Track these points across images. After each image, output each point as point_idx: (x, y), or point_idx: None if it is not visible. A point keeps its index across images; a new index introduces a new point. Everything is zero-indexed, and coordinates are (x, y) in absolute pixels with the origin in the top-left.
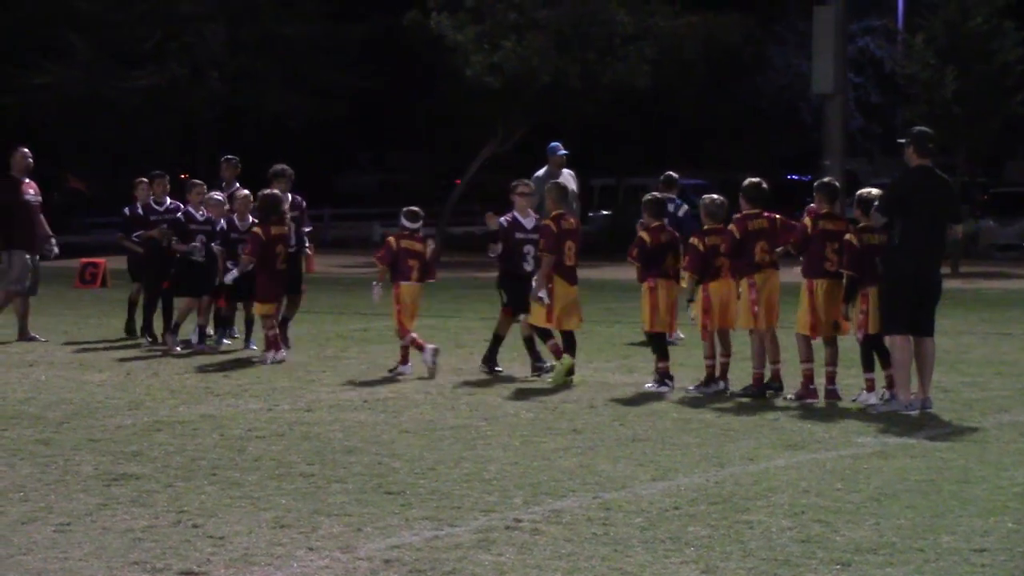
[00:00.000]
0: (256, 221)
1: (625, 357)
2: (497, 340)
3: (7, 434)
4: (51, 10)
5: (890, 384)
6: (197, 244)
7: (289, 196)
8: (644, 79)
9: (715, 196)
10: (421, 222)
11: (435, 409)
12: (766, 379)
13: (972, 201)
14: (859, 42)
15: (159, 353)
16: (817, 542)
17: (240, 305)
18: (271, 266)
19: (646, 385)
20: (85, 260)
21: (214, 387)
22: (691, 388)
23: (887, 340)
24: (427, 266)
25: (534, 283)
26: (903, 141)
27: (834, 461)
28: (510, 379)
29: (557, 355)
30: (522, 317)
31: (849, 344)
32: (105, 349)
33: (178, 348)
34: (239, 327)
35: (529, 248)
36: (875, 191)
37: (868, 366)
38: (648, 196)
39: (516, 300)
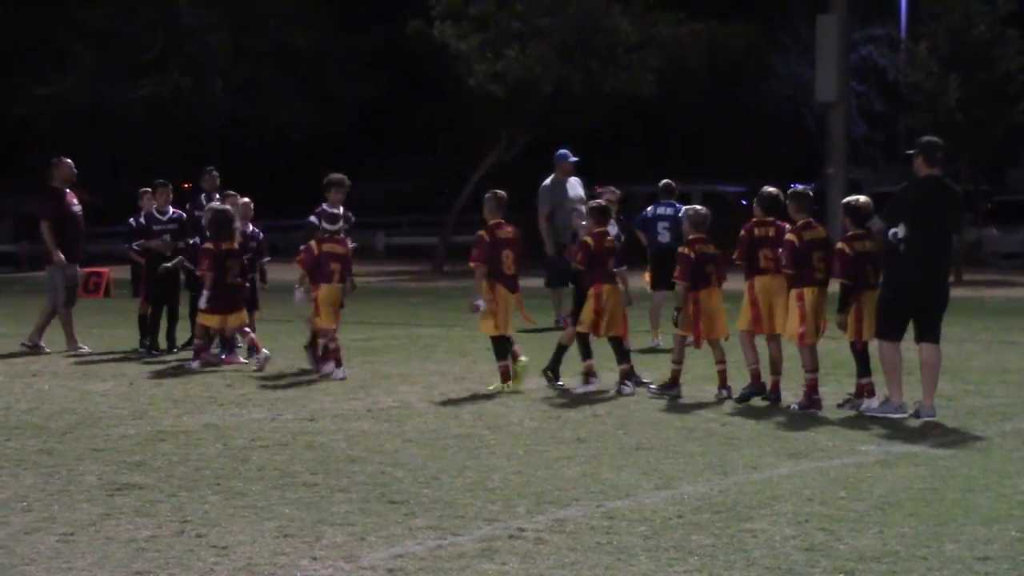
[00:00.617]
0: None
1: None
2: (561, 350)
3: (11, 444)
4: (56, 20)
5: (858, 393)
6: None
7: (340, 209)
8: (648, 87)
9: (699, 207)
10: (341, 223)
11: (439, 418)
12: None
13: (976, 209)
14: (862, 50)
15: (162, 363)
16: (821, 550)
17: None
18: (222, 280)
19: (577, 389)
20: (89, 270)
21: (217, 397)
22: (653, 387)
23: (878, 344)
24: (348, 268)
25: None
26: (912, 152)
27: (838, 469)
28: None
29: (514, 358)
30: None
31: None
32: (108, 359)
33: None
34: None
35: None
36: (862, 199)
37: (866, 371)
38: (593, 203)
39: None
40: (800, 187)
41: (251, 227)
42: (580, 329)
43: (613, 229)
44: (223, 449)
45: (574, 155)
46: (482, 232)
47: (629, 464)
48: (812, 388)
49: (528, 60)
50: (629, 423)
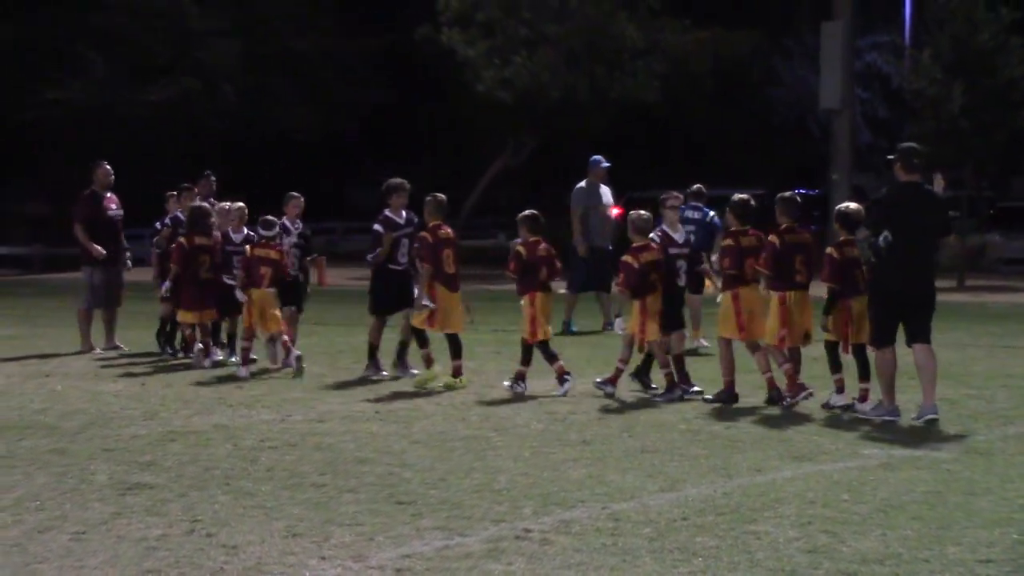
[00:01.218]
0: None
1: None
2: (651, 356)
3: (23, 444)
4: (68, 26)
5: (839, 387)
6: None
7: (404, 213)
8: (653, 93)
9: (643, 212)
10: (276, 229)
11: (446, 420)
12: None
13: (979, 215)
14: (867, 57)
15: (174, 364)
16: (824, 552)
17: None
18: (195, 275)
19: (512, 387)
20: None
21: (227, 398)
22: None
23: (874, 352)
24: (280, 272)
25: (417, 292)
26: (891, 158)
27: (840, 473)
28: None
29: (428, 364)
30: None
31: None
32: (120, 360)
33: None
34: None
35: (681, 263)
36: (853, 206)
37: (835, 368)
38: (525, 212)
39: (670, 316)
40: (788, 194)
41: (244, 230)
42: (527, 338)
43: (680, 236)
44: (233, 449)
45: (578, 162)
46: (425, 233)
47: (634, 466)
48: (793, 383)
49: (535, 66)
50: (634, 426)
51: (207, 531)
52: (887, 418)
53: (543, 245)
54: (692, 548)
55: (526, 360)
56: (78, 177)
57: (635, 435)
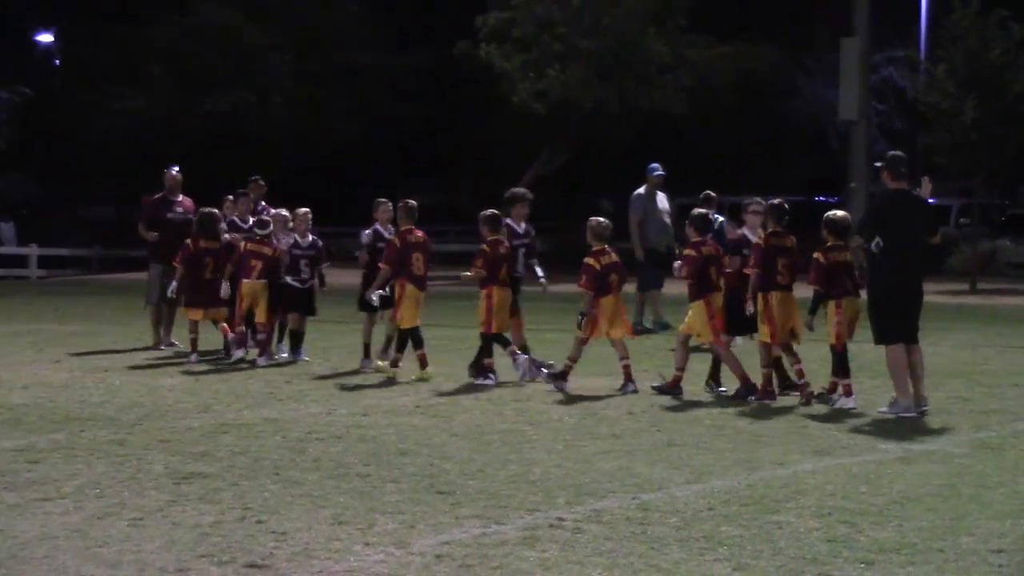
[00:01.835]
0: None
1: (664, 365)
2: (717, 362)
3: (84, 435)
4: (132, 41)
5: (848, 391)
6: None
7: (523, 225)
8: (679, 105)
9: (602, 219)
10: (271, 228)
11: (484, 414)
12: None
13: (990, 222)
14: (883, 72)
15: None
16: (843, 542)
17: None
18: (198, 275)
19: (479, 380)
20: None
21: (277, 392)
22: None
23: (885, 351)
24: (272, 267)
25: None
26: (878, 165)
27: (859, 466)
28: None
29: (423, 364)
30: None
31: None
32: (175, 357)
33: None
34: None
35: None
36: (840, 213)
37: (844, 373)
38: (486, 212)
39: (736, 318)
40: (777, 200)
41: (310, 236)
42: (482, 329)
43: (753, 235)
44: (282, 441)
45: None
46: (394, 239)
47: (662, 459)
48: (768, 381)
49: (568, 79)
50: (662, 421)
51: (257, 518)
52: (905, 415)
53: (504, 243)
54: (717, 537)
55: (487, 352)
56: (138, 183)
57: (663, 429)
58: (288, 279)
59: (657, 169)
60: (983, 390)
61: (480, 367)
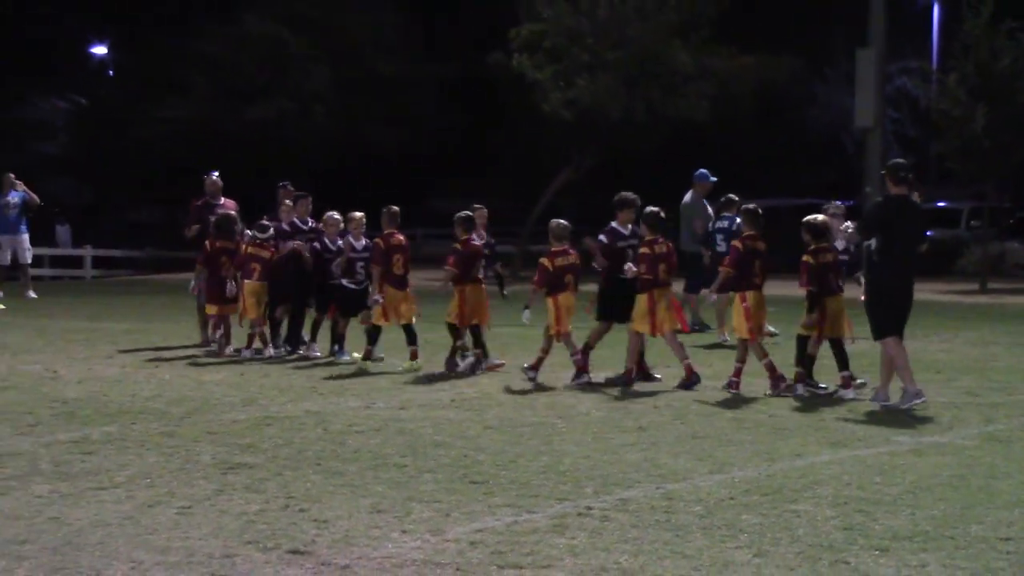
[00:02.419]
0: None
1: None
2: (811, 360)
3: (136, 427)
4: (176, 51)
5: (846, 384)
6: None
7: (630, 226)
8: (703, 113)
9: (562, 221)
10: (271, 232)
11: (516, 408)
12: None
13: (999, 225)
14: (897, 81)
15: (270, 357)
16: (858, 530)
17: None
18: (216, 273)
19: (459, 368)
20: None
21: (318, 387)
22: (530, 371)
23: (882, 345)
24: (270, 268)
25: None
26: (883, 172)
27: (873, 457)
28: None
29: (413, 357)
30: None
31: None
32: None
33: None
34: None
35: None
36: (820, 217)
37: (843, 365)
38: (460, 214)
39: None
40: (752, 206)
41: (363, 239)
42: (449, 320)
43: (840, 243)
44: (323, 433)
45: (632, 176)
46: (378, 240)
47: (686, 451)
48: (736, 373)
49: (597, 89)
50: (686, 414)
51: (300, 507)
52: (915, 401)
53: (476, 243)
54: (738, 525)
55: (458, 338)
56: (183, 187)
57: (686, 422)
58: (343, 281)
59: (707, 176)
60: (992, 385)
61: (452, 360)
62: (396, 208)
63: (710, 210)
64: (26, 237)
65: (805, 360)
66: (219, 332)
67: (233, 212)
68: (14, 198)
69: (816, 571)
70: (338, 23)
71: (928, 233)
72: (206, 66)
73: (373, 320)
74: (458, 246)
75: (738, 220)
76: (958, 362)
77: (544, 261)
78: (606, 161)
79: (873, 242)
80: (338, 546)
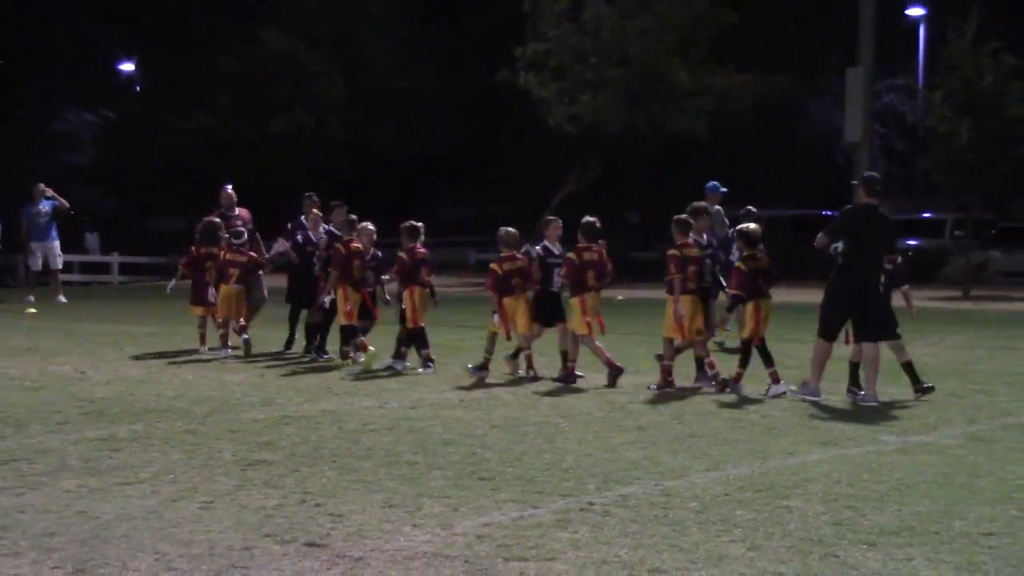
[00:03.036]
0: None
1: (686, 365)
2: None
3: (160, 425)
4: (200, 66)
5: (775, 379)
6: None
7: (704, 236)
8: (701, 128)
9: (510, 229)
10: (245, 237)
11: (521, 408)
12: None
13: (982, 235)
14: (885, 98)
15: (287, 358)
16: (847, 525)
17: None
18: (202, 277)
19: (420, 370)
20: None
21: (334, 387)
22: (471, 368)
23: (816, 340)
24: (247, 273)
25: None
26: (855, 183)
27: (862, 456)
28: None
29: (363, 349)
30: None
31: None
32: (241, 355)
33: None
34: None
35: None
36: (752, 226)
37: (768, 363)
38: (405, 223)
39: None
40: (683, 216)
41: (371, 249)
42: (409, 325)
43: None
44: (338, 432)
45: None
46: (339, 246)
47: (683, 449)
48: (667, 372)
49: (599, 105)
50: (683, 414)
51: (316, 501)
52: (810, 398)
53: (421, 250)
54: (733, 520)
55: (407, 343)
56: (207, 197)
57: (684, 422)
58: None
59: (718, 187)
60: (975, 387)
61: (397, 355)
62: (354, 217)
63: (726, 219)
64: (57, 244)
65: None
66: (216, 331)
67: (216, 220)
68: (45, 207)
69: (807, 564)
70: (353, 40)
71: (913, 242)
72: (228, 81)
73: (340, 322)
74: (402, 254)
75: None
76: (942, 365)
77: (494, 266)
78: (608, 172)
79: (839, 245)
80: (352, 539)
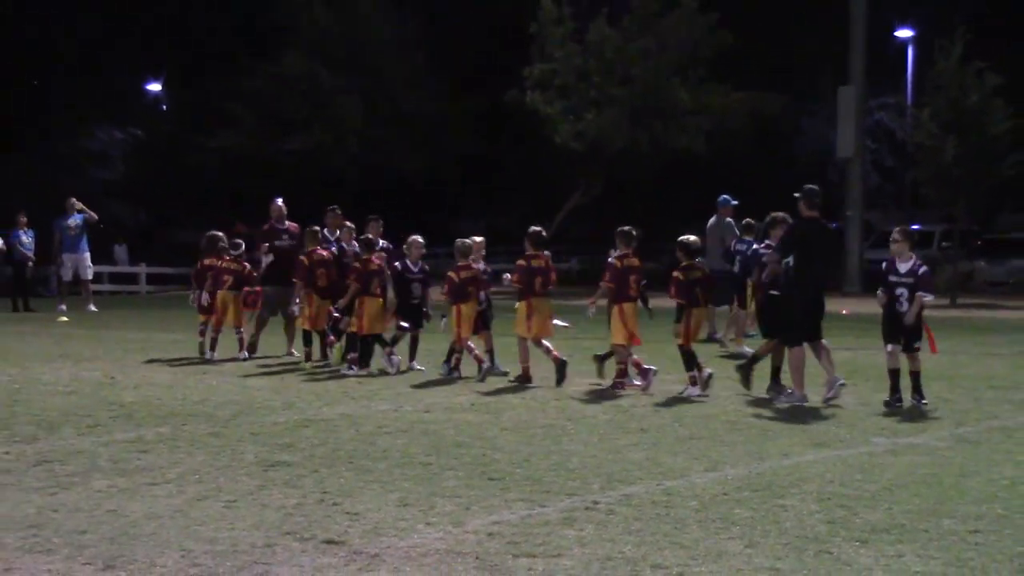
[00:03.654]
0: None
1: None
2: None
3: (186, 428)
4: (224, 88)
5: (693, 382)
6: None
7: (760, 244)
8: (700, 145)
9: (466, 240)
10: (243, 248)
11: (529, 411)
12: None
13: (968, 246)
14: (875, 116)
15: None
16: (840, 523)
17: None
18: (202, 287)
19: (383, 361)
20: (247, 288)
21: (351, 392)
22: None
23: (788, 351)
24: (243, 280)
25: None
26: (797, 196)
27: (854, 457)
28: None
29: (330, 346)
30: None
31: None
32: (263, 360)
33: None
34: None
35: (902, 291)
36: (692, 238)
37: (690, 367)
38: (362, 236)
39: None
40: (626, 227)
41: (420, 262)
42: (366, 331)
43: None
44: (355, 434)
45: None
46: (302, 257)
47: (683, 450)
48: (621, 374)
49: (603, 122)
50: (683, 417)
51: (334, 501)
52: (798, 404)
53: (376, 261)
54: (731, 518)
55: (354, 348)
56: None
57: (684, 425)
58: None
59: (729, 200)
60: (962, 392)
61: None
62: (317, 228)
63: (737, 230)
64: (87, 256)
65: (692, 363)
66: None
67: (219, 233)
68: (77, 220)
69: (802, 560)
70: (369, 62)
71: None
72: (251, 101)
73: (300, 325)
74: (357, 264)
75: (755, 245)
76: (931, 370)
77: (451, 274)
78: (612, 187)
79: (786, 261)
80: (368, 536)
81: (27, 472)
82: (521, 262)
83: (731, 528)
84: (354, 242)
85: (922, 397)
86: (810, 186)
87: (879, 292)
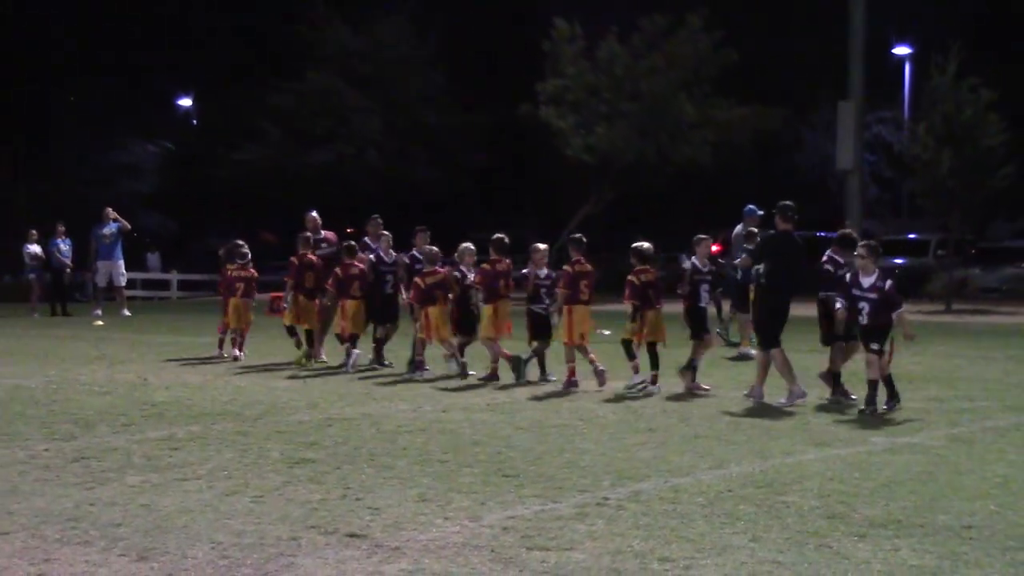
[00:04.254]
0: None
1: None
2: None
3: (215, 427)
4: (251, 104)
5: (654, 380)
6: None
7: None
8: (706, 157)
9: (433, 248)
10: (249, 257)
11: (543, 412)
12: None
13: (963, 254)
14: (873, 129)
15: (330, 367)
16: (840, 518)
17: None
18: (226, 296)
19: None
20: (274, 295)
21: (372, 392)
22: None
23: (770, 354)
24: (252, 288)
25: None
26: (774, 211)
27: (853, 456)
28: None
29: (299, 346)
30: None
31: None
32: (289, 363)
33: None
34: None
35: (863, 305)
36: (646, 244)
37: (631, 357)
38: (346, 243)
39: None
40: (576, 235)
41: (545, 269)
42: (339, 332)
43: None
44: (376, 433)
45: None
46: (293, 259)
47: (690, 449)
48: (571, 373)
49: (613, 136)
50: (690, 417)
51: (356, 496)
52: (799, 400)
53: (357, 267)
54: (736, 514)
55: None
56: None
57: (691, 424)
58: (532, 307)
59: (755, 211)
60: (957, 393)
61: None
62: (309, 234)
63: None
64: (121, 263)
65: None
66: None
67: (241, 242)
68: (111, 229)
69: (803, 554)
70: (389, 79)
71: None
72: (276, 116)
73: (285, 322)
74: (339, 271)
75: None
76: (927, 373)
77: (418, 280)
78: (621, 197)
79: (756, 269)
80: (389, 530)
81: (65, 468)
82: (486, 266)
83: (736, 523)
84: (408, 250)
85: (871, 404)
86: (785, 202)
87: (837, 306)
